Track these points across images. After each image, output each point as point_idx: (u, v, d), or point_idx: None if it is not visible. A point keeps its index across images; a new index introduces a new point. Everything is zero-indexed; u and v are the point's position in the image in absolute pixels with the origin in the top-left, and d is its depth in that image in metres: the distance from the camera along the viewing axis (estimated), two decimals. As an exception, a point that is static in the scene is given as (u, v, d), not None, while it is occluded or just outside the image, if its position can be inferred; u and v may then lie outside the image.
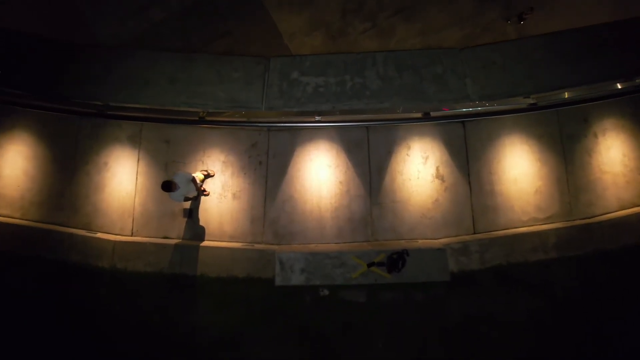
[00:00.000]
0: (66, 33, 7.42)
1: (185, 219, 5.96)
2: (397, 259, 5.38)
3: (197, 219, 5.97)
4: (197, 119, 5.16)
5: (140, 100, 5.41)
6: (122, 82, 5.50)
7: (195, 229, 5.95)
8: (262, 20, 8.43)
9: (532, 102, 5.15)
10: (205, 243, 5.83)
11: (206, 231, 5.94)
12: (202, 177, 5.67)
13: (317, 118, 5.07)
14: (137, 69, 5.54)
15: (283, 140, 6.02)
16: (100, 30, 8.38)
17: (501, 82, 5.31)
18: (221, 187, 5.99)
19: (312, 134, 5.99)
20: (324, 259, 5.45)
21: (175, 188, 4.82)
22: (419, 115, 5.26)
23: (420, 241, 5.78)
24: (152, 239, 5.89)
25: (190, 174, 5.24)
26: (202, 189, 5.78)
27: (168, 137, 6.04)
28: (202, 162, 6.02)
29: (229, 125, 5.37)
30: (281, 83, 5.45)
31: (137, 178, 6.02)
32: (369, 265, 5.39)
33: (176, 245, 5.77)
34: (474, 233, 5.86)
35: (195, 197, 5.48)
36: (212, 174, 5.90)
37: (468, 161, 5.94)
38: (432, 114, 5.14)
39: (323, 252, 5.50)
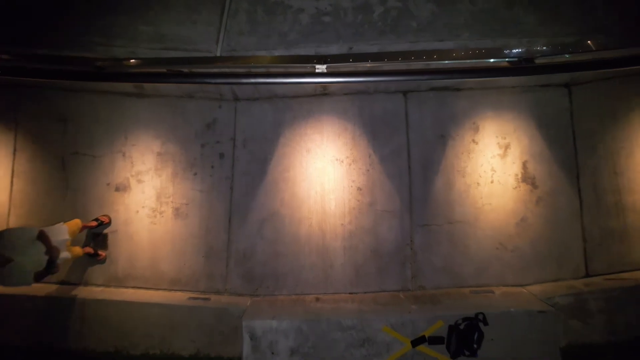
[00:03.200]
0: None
1: (97, 252, 3.50)
2: (466, 332, 2.94)
3: (117, 252, 3.51)
4: (92, 70, 2.72)
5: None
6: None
7: (111, 268, 3.49)
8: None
9: None
10: (126, 294, 3.38)
11: (131, 272, 3.49)
12: (76, 230, 3.09)
13: (319, 69, 2.64)
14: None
15: (260, 116, 3.56)
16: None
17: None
18: (155, 198, 3.52)
19: (310, 105, 3.54)
20: (332, 330, 2.99)
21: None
22: (504, 64, 2.83)
23: (497, 291, 3.34)
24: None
25: (35, 229, 2.58)
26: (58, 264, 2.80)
27: (64, 112, 3.57)
28: (124, 155, 3.55)
29: (154, 81, 2.91)
30: (253, 9, 2.98)
31: (12, 182, 3.55)
32: (416, 342, 2.94)
33: (76, 298, 3.31)
34: (587, 275, 3.44)
35: (48, 270, 2.64)
36: (104, 221, 3.46)
37: (576, 153, 3.50)
38: (538, 60, 2.73)
39: (330, 316, 3.04)
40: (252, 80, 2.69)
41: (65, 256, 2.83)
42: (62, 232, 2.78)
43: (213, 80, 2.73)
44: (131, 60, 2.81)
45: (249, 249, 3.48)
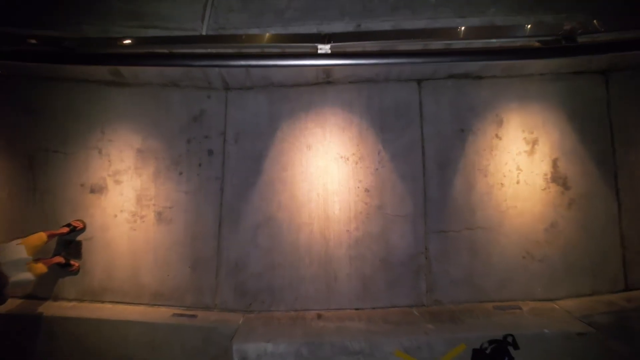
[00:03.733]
0: None
1: (70, 261, 3.09)
2: (494, 356, 2.52)
3: (93, 261, 3.10)
4: (58, 51, 2.31)
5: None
6: None
7: (85, 281, 3.08)
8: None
9: None
10: (102, 310, 2.97)
11: (107, 285, 3.08)
12: (39, 244, 2.66)
13: (322, 49, 2.24)
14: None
15: (254, 107, 3.15)
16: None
17: None
18: (135, 200, 3.11)
19: (311, 96, 3.14)
20: (337, 354, 2.58)
21: None
22: (537, 44, 2.42)
23: (524, 306, 2.92)
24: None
25: None
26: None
27: (33, 103, 3.17)
28: (100, 152, 3.15)
29: (129, 63, 2.50)
30: (245, -19, 2.57)
31: (-27, 182, 3.14)
32: (434, 369, 2.52)
33: (43, 315, 2.89)
34: (626, 289, 3.02)
35: None
36: (78, 226, 3.05)
37: (614, 150, 3.09)
38: (581, 39, 2.32)
39: (334, 338, 2.62)
40: (243, 62, 2.29)
41: (26, 278, 2.43)
42: (18, 251, 2.37)
43: (198, 63, 2.32)
44: (125, 41, 2.36)
45: (241, 259, 3.06)
